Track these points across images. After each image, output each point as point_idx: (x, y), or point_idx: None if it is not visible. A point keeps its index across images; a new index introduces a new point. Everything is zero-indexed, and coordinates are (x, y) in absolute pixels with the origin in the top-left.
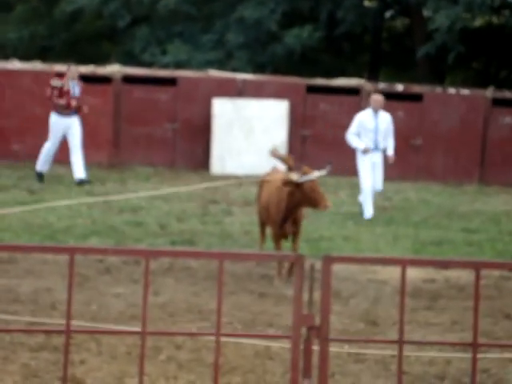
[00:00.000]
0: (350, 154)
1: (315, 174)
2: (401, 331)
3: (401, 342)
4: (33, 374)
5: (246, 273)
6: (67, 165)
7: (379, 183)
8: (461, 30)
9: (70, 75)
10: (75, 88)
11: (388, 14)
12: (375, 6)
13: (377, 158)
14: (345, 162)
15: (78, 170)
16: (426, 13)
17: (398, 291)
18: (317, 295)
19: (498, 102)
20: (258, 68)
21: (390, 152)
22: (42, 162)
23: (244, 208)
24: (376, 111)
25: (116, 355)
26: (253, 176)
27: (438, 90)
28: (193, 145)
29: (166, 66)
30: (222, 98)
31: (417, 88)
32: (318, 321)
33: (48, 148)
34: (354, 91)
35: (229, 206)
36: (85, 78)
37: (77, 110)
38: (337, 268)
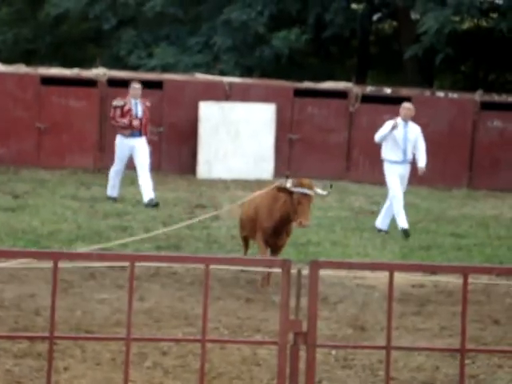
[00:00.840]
0: (336, 157)
1: (317, 191)
2: (388, 337)
3: (388, 348)
4: (16, 381)
5: (233, 278)
6: (52, 170)
7: None
8: (449, 32)
9: (132, 93)
10: (138, 107)
11: (376, 16)
12: (363, 8)
13: (403, 170)
14: (332, 166)
15: (147, 192)
16: (413, 16)
17: (386, 296)
18: (304, 301)
19: (486, 106)
20: (246, 71)
21: (422, 163)
22: (111, 187)
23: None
24: (406, 121)
25: (101, 362)
26: (240, 180)
27: (427, 93)
28: (179, 149)
29: (152, 69)
30: (208, 102)
31: (405, 91)
32: (305, 326)
33: (115, 171)
34: (341, 94)
35: (216, 210)
36: (70, 81)
37: (141, 131)
38: (325, 273)
